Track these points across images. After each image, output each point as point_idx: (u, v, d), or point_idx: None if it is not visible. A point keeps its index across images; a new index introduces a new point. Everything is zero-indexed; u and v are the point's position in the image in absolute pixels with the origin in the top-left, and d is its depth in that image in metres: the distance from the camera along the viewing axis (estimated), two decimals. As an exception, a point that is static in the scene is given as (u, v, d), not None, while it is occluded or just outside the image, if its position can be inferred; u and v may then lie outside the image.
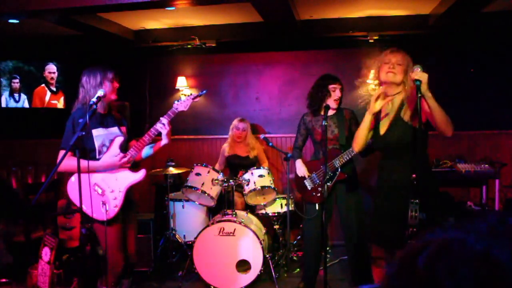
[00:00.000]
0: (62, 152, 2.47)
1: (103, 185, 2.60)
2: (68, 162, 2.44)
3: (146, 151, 2.79)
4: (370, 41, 4.73)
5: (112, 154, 2.60)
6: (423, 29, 4.53)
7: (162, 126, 2.64)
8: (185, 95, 5.23)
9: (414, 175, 2.06)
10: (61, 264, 3.39)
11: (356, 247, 3.22)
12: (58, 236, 3.73)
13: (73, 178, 2.57)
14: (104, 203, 2.54)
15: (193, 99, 2.75)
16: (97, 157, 2.59)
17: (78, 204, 2.45)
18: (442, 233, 0.53)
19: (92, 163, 2.51)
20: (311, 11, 4.42)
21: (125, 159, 2.59)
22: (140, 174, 2.66)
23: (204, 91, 2.86)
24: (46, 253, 3.19)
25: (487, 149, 4.55)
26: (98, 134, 2.60)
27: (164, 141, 2.71)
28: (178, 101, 2.75)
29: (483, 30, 4.66)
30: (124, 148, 2.68)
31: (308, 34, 4.81)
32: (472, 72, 4.66)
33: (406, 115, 2.37)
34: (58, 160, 2.41)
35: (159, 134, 2.69)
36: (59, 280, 3.27)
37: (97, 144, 2.59)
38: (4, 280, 3.51)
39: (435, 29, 4.46)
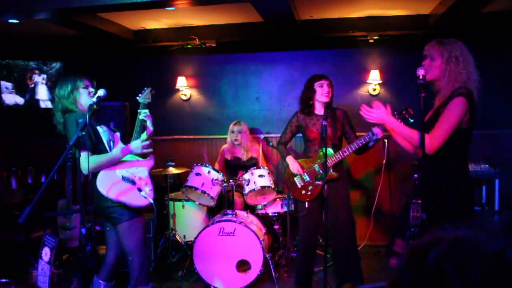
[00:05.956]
0: (83, 153, 2.50)
1: (130, 176, 2.66)
2: (95, 160, 2.50)
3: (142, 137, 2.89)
4: (370, 41, 4.73)
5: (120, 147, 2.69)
6: (423, 29, 4.53)
7: (145, 115, 2.77)
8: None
9: (416, 175, 2.06)
10: (61, 264, 3.39)
11: (347, 245, 3.21)
12: (58, 236, 3.73)
13: (100, 176, 2.58)
14: (140, 190, 2.62)
15: (150, 92, 2.89)
16: (109, 152, 2.66)
17: (114, 197, 2.53)
18: (453, 230, 0.52)
19: (115, 154, 2.60)
20: (311, 11, 4.42)
21: (147, 142, 2.67)
22: (151, 160, 2.81)
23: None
24: (46, 253, 3.19)
25: (487, 149, 4.54)
26: (103, 130, 2.69)
27: (150, 129, 2.84)
28: (139, 96, 2.85)
29: (483, 30, 4.66)
30: (123, 143, 2.76)
31: (308, 34, 4.81)
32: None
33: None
34: (82, 162, 2.48)
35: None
36: (59, 280, 3.26)
37: (105, 140, 2.67)
38: (4, 280, 3.51)
39: (435, 29, 4.46)
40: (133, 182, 2.65)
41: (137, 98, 2.83)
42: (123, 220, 2.58)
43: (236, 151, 4.54)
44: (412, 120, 2.59)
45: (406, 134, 2.28)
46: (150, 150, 2.74)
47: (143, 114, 2.76)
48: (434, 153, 2.17)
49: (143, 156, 2.79)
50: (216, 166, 4.52)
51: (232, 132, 4.49)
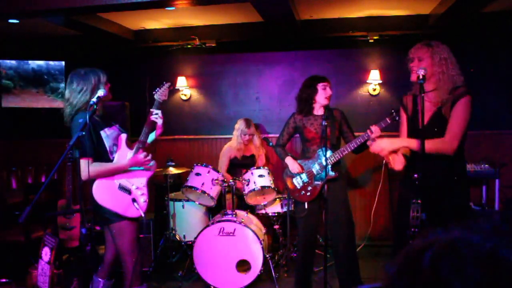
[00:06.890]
0: (84, 161, 2.45)
1: (127, 184, 2.64)
2: (97, 168, 2.49)
3: (151, 137, 2.87)
4: (370, 41, 4.73)
5: (124, 153, 2.65)
6: (423, 29, 4.53)
7: (157, 116, 2.77)
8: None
9: (416, 175, 2.07)
10: (61, 264, 3.39)
11: (346, 245, 3.21)
12: (58, 236, 3.73)
13: (97, 183, 2.57)
14: (134, 200, 2.62)
15: (168, 87, 2.87)
16: (110, 157, 2.62)
17: (109, 207, 2.54)
18: (446, 233, 0.52)
19: (119, 164, 2.59)
20: (311, 11, 4.42)
21: (148, 157, 2.66)
22: (151, 171, 2.77)
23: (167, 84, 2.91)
24: (46, 253, 3.19)
25: (487, 149, 4.54)
26: (106, 135, 2.63)
27: (160, 130, 2.86)
28: (155, 92, 2.81)
29: (483, 30, 4.66)
30: (128, 144, 2.72)
31: (308, 34, 4.81)
32: (472, 72, 4.66)
33: (447, 112, 2.29)
34: (83, 170, 2.43)
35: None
36: (59, 280, 3.26)
37: (107, 145, 2.62)
38: (4, 280, 3.51)
39: (435, 29, 4.45)
40: (129, 192, 2.64)
41: (153, 93, 2.78)
42: (114, 222, 2.58)
43: (248, 149, 4.53)
44: None
45: (426, 149, 2.23)
46: (152, 164, 2.71)
47: (155, 115, 2.74)
48: (452, 153, 2.22)
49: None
50: (222, 169, 4.44)
51: (244, 133, 4.44)
